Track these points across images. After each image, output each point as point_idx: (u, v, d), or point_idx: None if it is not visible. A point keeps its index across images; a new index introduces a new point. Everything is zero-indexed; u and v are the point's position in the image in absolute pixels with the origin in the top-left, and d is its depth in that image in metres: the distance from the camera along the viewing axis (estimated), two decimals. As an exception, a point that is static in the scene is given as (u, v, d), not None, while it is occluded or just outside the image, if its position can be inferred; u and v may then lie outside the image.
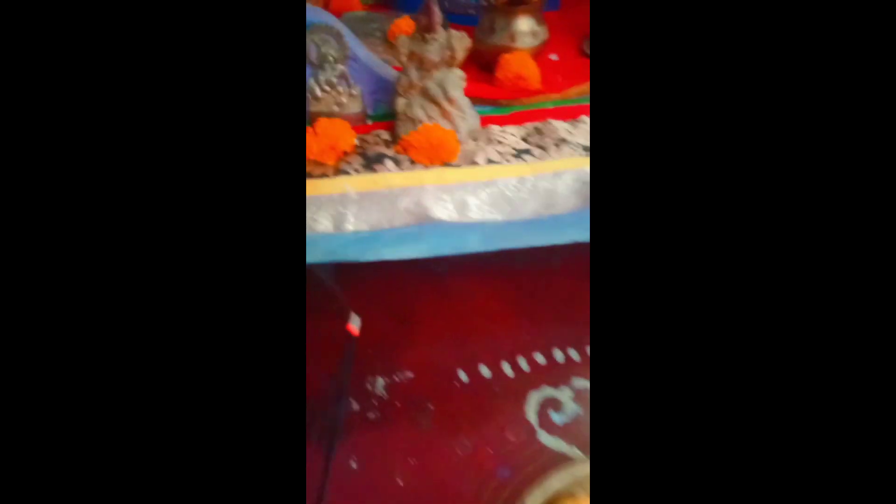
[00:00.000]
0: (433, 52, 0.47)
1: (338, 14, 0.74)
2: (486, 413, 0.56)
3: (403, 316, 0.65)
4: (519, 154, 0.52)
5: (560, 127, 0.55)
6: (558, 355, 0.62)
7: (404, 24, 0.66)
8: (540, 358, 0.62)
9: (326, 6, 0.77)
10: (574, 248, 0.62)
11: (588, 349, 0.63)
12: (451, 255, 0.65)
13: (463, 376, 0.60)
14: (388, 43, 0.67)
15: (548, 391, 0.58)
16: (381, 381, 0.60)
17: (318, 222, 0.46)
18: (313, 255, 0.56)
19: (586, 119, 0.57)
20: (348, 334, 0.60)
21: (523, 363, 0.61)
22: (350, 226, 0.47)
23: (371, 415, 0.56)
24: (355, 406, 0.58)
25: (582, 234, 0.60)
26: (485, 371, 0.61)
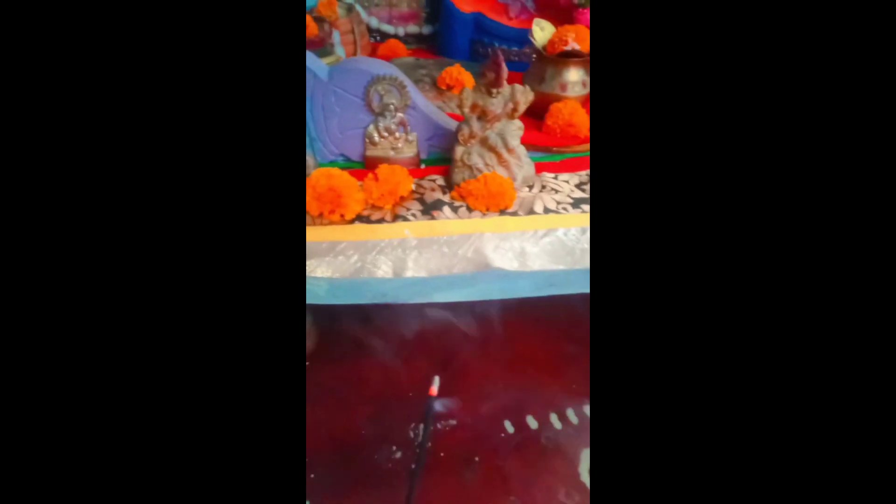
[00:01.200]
0: (497, 105, 0.48)
1: (388, 59, 0.77)
2: (536, 470, 0.54)
3: (446, 362, 0.64)
4: (577, 203, 0.52)
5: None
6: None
7: (455, 71, 0.68)
8: (590, 410, 0.60)
9: (374, 53, 0.81)
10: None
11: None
12: (501, 299, 0.64)
13: (509, 427, 0.58)
14: (438, 89, 0.69)
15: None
16: (423, 429, 0.58)
17: (379, 268, 0.46)
18: (366, 296, 0.55)
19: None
20: (429, 395, 0.59)
21: (572, 416, 0.59)
22: (410, 272, 0.46)
23: (414, 464, 0.54)
24: (398, 454, 0.56)
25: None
26: (532, 423, 0.59)
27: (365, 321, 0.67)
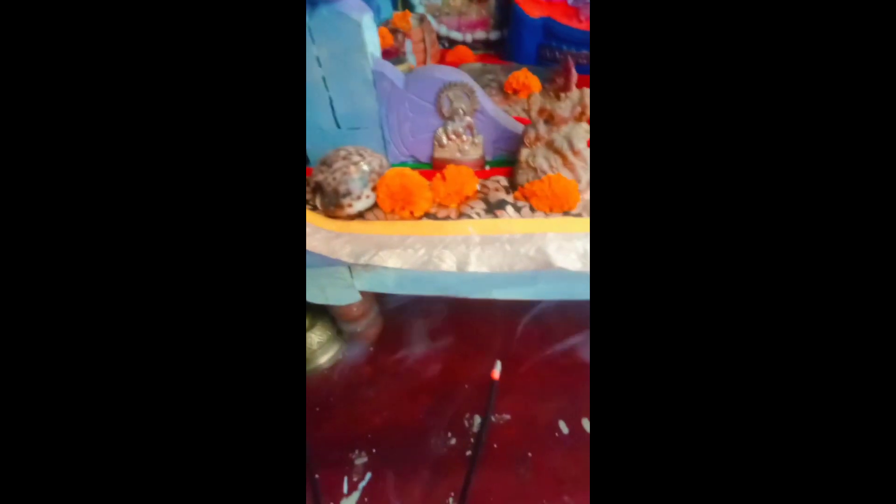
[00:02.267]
0: (564, 109, 0.49)
1: (456, 66, 0.80)
2: (588, 471, 0.54)
3: (502, 356, 0.65)
4: (642, 206, 0.51)
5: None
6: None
7: (522, 76, 0.69)
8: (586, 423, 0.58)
9: (442, 59, 0.84)
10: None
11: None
12: (561, 300, 0.64)
13: (564, 427, 0.58)
14: (504, 93, 0.71)
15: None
16: (478, 419, 0.60)
17: (444, 261, 0.49)
18: (429, 288, 0.59)
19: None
20: (491, 379, 0.62)
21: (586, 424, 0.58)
22: (472, 266, 0.49)
23: (469, 452, 0.56)
24: (453, 441, 0.58)
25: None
26: (587, 425, 0.58)
27: (428, 313, 0.71)
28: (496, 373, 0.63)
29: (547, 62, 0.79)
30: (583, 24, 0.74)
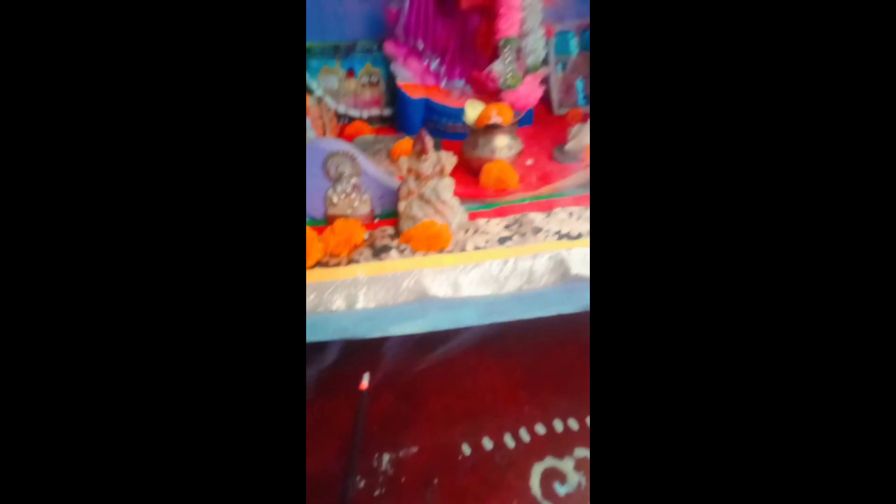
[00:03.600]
0: (427, 167, 0.60)
1: (351, 138, 0.91)
2: (491, 486, 0.58)
3: (408, 393, 0.69)
4: (502, 241, 0.62)
5: (536, 218, 0.66)
6: (558, 425, 0.65)
7: (405, 144, 0.82)
8: (541, 428, 0.65)
9: (341, 133, 0.96)
10: (565, 322, 0.69)
11: (587, 419, 0.65)
12: (450, 329, 0.71)
13: (466, 449, 0.62)
14: (391, 158, 0.83)
15: (550, 462, 0.60)
16: (387, 457, 0.62)
17: (334, 303, 0.55)
18: (326, 333, 0.63)
19: (558, 210, 0.68)
20: (359, 391, 0.64)
21: (525, 434, 0.64)
22: (360, 304, 0.55)
23: (377, 491, 0.58)
24: (362, 483, 0.59)
25: (565, 307, 0.68)
26: (487, 443, 0.63)
27: (328, 358, 0.74)
28: (364, 384, 0.66)
29: (430, 131, 0.93)
30: (454, 102, 0.90)
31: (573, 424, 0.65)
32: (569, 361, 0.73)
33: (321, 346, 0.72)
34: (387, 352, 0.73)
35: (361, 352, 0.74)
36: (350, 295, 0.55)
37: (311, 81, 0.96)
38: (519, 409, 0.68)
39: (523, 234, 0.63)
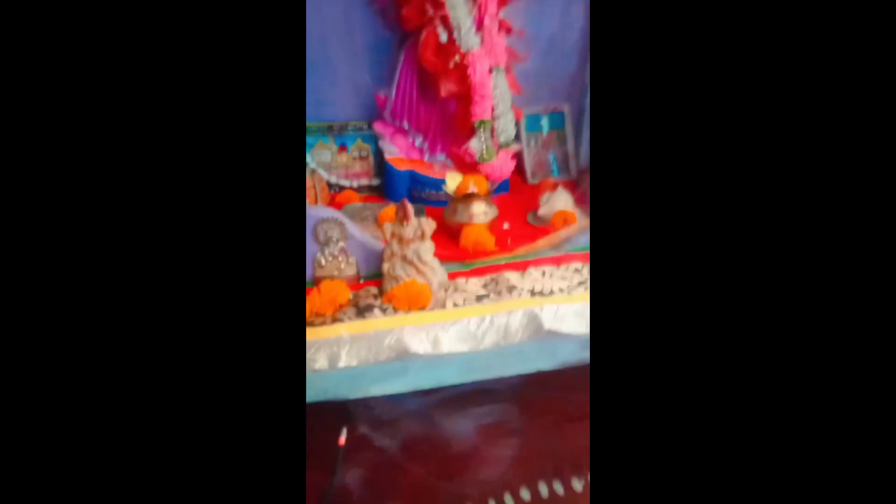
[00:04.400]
0: (409, 232, 0.66)
1: (340, 206, 0.98)
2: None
3: (386, 457, 0.68)
4: (479, 299, 0.66)
5: (511, 277, 0.71)
6: (543, 489, 0.63)
7: (390, 211, 0.88)
8: (525, 493, 0.63)
9: (332, 201, 1.03)
10: (544, 378, 0.70)
11: (573, 481, 0.64)
12: (431, 388, 0.72)
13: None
14: (377, 224, 0.89)
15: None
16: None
17: (317, 361, 0.56)
18: (310, 394, 0.63)
19: (532, 270, 0.73)
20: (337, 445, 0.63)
21: (509, 500, 0.62)
22: (342, 363, 0.56)
23: None
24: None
25: (544, 363, 0.70)
26: (471, 511, 0.61)
27: (312, 421, 0.72)
28: (342, 439, 0.65)
29: (414, 200, 1.01)
30: (436, 174, 0.99)
31: (558, 488, 0.64)
32: (552, 420, 0.73)
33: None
34: (366, 412, 0.73)
35: (341, 413, 0.73)
36: (333, 353, 0.57)
37: (306, 155, 1.05)
38: (502, 472, 0.66)
39: (499, 293, 0.67)
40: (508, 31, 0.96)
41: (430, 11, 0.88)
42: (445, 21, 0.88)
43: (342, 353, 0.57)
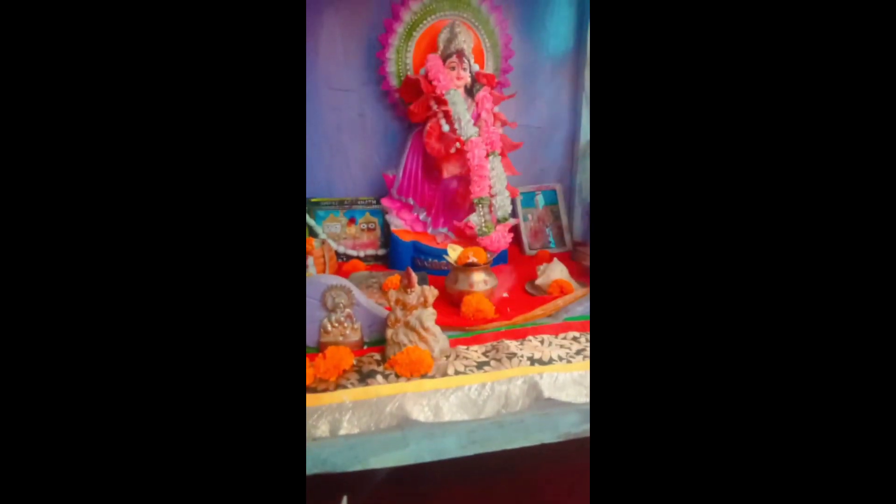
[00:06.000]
0: (412, 299, 0.69)
1: (348, 274, 1.03)
2: None
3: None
4: (480, 366, 0.67)
5: (511, 344, 0.73)
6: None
7: (395, 279, 0.93)
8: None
9: (339, 270, 1.08)
10: (546, 451, 0.68)
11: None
12: (431, 461, 0.69)
13: None
14: (382, 291, 0.93)
15: None
16: None
17: (318, 428, 0.56)
18: (308, 466, 0.62)
19: (531, 338, 0.75)
20: None
21: None
22: (344, 430, 0.56)
23: None
24: None
25: (546, 435, 0.69)
26: None
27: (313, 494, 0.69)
28: None
29: (417, 268, 1.06)
30: (439, 244, 1.05)
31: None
32: (558, 498, 0.70)
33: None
34: (364, 488, 0.70)
35: (339, 486, 0.70)
36: (334, 420, 0.57)
37: (317, 227, 1.12)
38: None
39: (499, 360, 0.69)
40: (503, 122, 1.09)
41: (435, 107, 1.01)
42: (447, 115, 1.01)
43: (343, 421, 0.57)
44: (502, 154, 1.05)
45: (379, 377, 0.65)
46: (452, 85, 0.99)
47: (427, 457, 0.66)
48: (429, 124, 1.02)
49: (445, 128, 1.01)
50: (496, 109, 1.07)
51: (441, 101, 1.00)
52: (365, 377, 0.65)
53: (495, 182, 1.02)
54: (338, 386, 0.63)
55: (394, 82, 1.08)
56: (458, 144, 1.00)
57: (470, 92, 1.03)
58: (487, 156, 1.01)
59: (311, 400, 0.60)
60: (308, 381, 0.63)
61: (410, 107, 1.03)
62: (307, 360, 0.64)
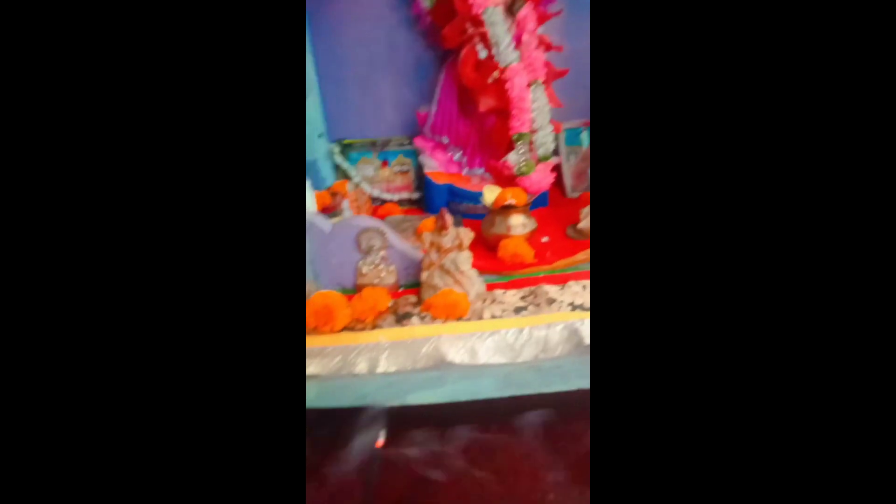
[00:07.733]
0: (447, 241, 0.67)
1: (383, 218, 1.01)
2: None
3: (421, 477, 0.66)
4: (518, 310, 0.65)
5: (550, 290, 0.70)
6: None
7: (429, 223, 0.90)
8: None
9: (374, 213, 1.06)
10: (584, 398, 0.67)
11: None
12: (469, 400, 0.71)
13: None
14: (417, 235, 0.91)
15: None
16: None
17: (357, 365, 0.58)
18: (347, 398, 0.65)
19: (572, 283, 0.71)
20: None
21: None
22: (381, 368, 0.57)
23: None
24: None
25: (586, 381, 0.67)
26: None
27: (345, 430, 0.73)
28: (381, 441, 0.63)
29: (453, 212, 1.02)
30: (474, 187, 1.00)
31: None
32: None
33: (339, 413, 0.72)
34: (401, 427, 0.73)
35: (378, 422, 0.73)
36: (372, 358, 0.58)
37: (351, 169, 1.10)
38: (543, 497, 0.64)
39: (538, 305, 0.66)
40: (548, 47, 0.97)
41: (470, 29, 0.91)
42: (484, 38, 0.90)
43: (381, 359, 0.58)
44: (546, 83, 0.94)
45: (415, 319, 0.65)
46: (490, 3, 0.88)
47: (463, 396, 0.67)
48: (464, 51, 0.93)
49: (482, 54, 0.91)
50: (540, 31, 0.95)
51: (478, 22, 0.89)
52: (401, 319, 0.65)
53: (537, 116, 0.92)
54: (375, 326, 0.64)
55: (425, 3, 0.98)
56: (496, 74, 0.90)
57: (510, 10, 0.91)
58: (529, 85, 0.91)
59: (349, 338, 0.61)
60: (346, 321, 0.64)
61: (444, 30, 0.93)
62: (345, 300, 0.65)
